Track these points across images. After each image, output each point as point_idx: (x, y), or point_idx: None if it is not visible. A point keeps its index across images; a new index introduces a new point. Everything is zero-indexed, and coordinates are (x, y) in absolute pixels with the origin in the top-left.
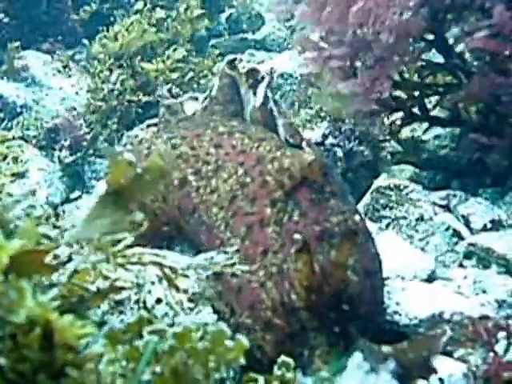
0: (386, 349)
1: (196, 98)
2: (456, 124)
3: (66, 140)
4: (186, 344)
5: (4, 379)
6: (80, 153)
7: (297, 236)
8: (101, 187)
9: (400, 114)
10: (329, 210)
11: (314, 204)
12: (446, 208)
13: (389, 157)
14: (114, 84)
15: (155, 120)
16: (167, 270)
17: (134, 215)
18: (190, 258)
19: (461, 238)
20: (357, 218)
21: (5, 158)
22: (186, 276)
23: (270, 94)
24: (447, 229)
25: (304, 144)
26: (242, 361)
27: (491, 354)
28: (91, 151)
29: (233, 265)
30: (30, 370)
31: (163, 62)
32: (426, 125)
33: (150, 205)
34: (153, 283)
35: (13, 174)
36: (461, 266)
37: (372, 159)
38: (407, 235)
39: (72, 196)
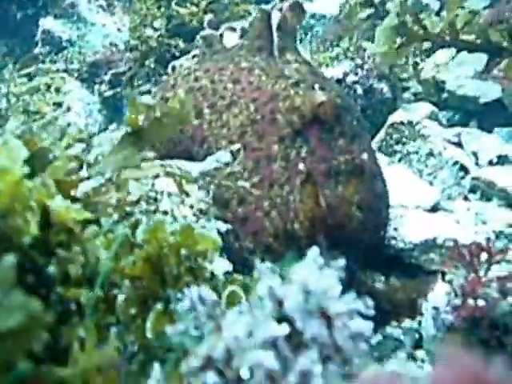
0: (379, 285)
1: (234, 29)
2: (484, 48)
3: (105, 74)
4: (159, 235)
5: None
6: (119, 88)
7: (301, 167)
8: None
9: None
10: (337, 149)
11: (323, 142)
12: (458, 145)
13: (408, 95)
14: (153, 26)
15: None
16: (178, 178)
17: (145, 153)
18: (199, 164)
19: (467, 172)
20: (364, 157)
21: (48, 88)
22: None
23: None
24: (455, 163)
25: (316, 85)
26: (214, 255)
27: (472, 274)
28: (129, 87)
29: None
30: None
31: (196, 4)
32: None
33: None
34: (161, 196)
35: (54, 104)
36: (465, 198)
37: (391, 97)
38: (417, 169)
39: (110, 128)
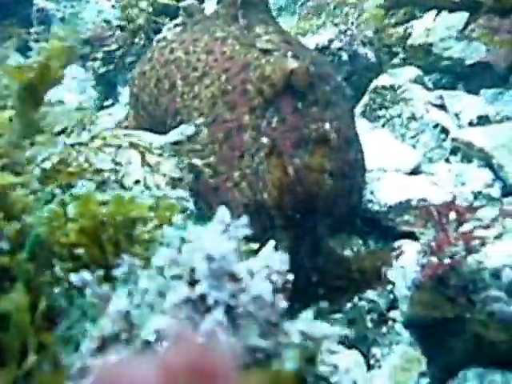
0: (347, 252)
1: None
2: (466, 7)
3: (97, 52)
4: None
5: None
6: (111, 65)
7: (264, 140)
8: (125, 95)
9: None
10: (309, 117)
11: (295, 111)
12: (442, 107)
13: (397, 60)
14: (139, 6)
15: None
16: (142, 150)
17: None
18: (163, 136)
19: (449, 135)
20: (337, 124)
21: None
22: (161, 155)
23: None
24: (436, 126)
25: (289, 53)
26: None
27: (440, 233)
28: (121, 64)
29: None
30: None
31: None
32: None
33: (146, 106)
34: (130, 164)
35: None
36: (447, 161)
37: (377, 62)
38: (400, 134)
39: (105, 104)
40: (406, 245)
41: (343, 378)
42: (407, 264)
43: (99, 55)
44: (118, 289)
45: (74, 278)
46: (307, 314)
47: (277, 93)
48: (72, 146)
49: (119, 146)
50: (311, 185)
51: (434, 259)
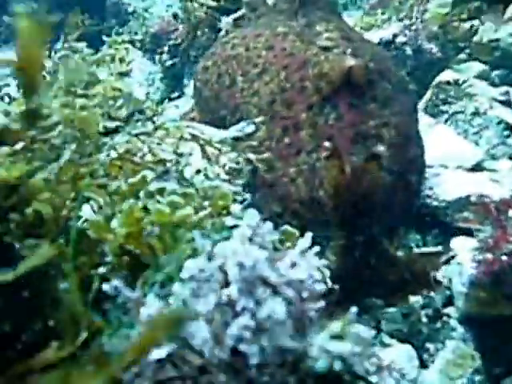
0: (400, 255)
1: None
2: None
3: (165, 45)
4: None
5: None
6: (177, 58)
7: (326, 144)
8: (191, 87)
9: None
10: (367, 114)
11: (353, 108)
12: (507, 103)
13: (461, 55)
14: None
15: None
16: (203, 142)
17: None
18: (223, 131)
19: None
20: (396, 120)
21: (113, 59)
22: (219, 149)
23: None
24: (499, 122)
25: (348, 51)
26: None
27: (498, 229)
28: (186, 57)
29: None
30: None
31: None
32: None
33: (208, 101)
34: (191, 155)
35: (119, 73)
36: (510, 158)
37: (442, 57)
38: (463, 130)
39: (172, 96)
40: (464, 241)
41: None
42: (463, 260)
43: (166, 48)
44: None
45: (105, 286)
46: (352, 310)
47: (334, 90)
48: (136, 135)
49: (181, 138)
50: (368, 184)
51: (490, 255)
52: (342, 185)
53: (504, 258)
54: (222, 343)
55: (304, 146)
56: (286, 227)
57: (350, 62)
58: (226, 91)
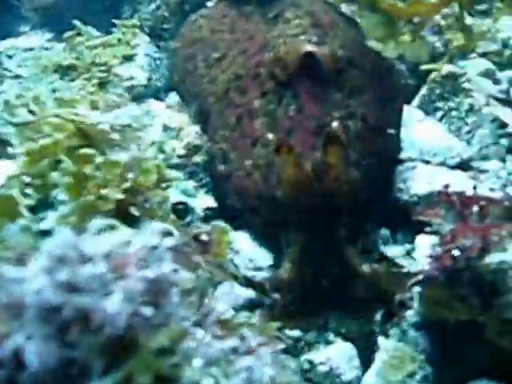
0: (365, 268)
1: None
2: None
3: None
4: None
5: None
6: None
7: (270, 136)
8: None
9: None
10: (330, 105)
11: (314, 98)
12: (506, 102)
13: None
14: None
15: None
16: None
17: None
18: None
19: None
20: (363, 111)
21: (119, 41)
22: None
23: None
24: (493, 120)
25: (314, 38)
26: None
27: (459, 223)
28: None
29: None
30: None
31: None
32: None
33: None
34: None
35: (123, 57)
36: (502, 160)
37: (443, 51)
38: (456, 127)
39: None
40: (429, 239)
41: None
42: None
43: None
44: None
45: None
46: None
47: (290, 77)
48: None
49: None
50: (331, 180)
51: (442, 249)
52: (300, 182)
53: (456, 252)
54: None
55: (259, 136)
56: (217, 223)
57: (307, 47)
58: (190, 77)
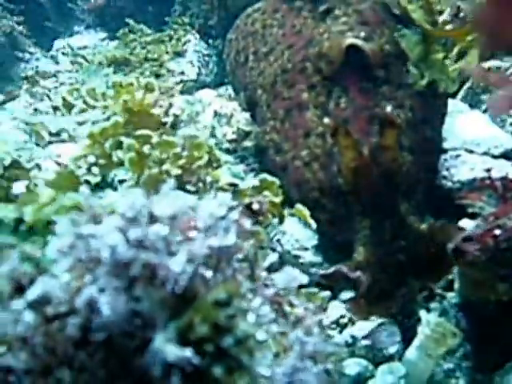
0: (423, 226)
1: None
2: None
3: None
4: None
5: None
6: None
7: (326, 120)
8: None
9: None
10: (380, 96)
11: (363, 90)
12: None
13: None
14: None
15: None
16: None
17: None
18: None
19: None
20: (410, 102)
21: (170, 38)
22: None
23: None
24: None
25: (362, 34)
26: None
27: (501, 205)
28: None
29: None
30: None
31: None
32: None
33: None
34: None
35: (174, 53)
36: None
37: None
38: (500, 119)
39: (226, 80)
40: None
41: None
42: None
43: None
44: None
45: None
46: None
47: (335, 71)
48: None
49: None
50: (388, 161)
51: (482, 230)
52: (360, 167)
53: (498, 231)
54: None
55: (312, 128)
56: (265, 176)
57: (350, 40)
58: (241, 69)
